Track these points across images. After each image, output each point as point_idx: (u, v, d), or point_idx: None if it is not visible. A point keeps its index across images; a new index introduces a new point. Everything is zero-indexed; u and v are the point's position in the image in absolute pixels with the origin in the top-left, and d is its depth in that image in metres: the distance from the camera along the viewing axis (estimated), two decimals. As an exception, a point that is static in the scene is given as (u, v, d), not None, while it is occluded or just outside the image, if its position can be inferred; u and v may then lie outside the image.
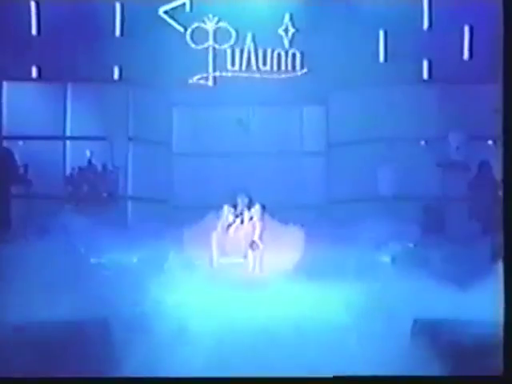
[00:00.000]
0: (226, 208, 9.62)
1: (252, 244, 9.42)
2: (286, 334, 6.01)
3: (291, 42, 13.79)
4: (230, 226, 9.58)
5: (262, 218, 9.57)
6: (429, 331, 5.08)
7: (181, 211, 13.46)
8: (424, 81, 13.41)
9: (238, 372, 4.87)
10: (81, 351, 5.07)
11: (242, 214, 9.60)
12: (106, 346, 5.46)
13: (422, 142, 13.17)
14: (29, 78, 13.48)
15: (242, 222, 9.58)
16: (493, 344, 4.02)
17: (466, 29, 13.18)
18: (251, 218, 9.58)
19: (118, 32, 13.63)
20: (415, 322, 5.62)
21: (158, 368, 5.13)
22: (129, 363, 5.19)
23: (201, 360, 5.34)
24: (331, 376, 4.38)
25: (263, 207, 9.66)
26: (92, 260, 9.73)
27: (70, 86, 13.72)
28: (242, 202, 9.64)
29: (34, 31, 13.43)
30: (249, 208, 9.64)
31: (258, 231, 9.46)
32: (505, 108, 4.19)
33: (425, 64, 13.41)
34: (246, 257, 9.46)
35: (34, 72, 13.53)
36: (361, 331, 5.84)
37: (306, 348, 5.58)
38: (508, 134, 4.14)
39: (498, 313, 3.99)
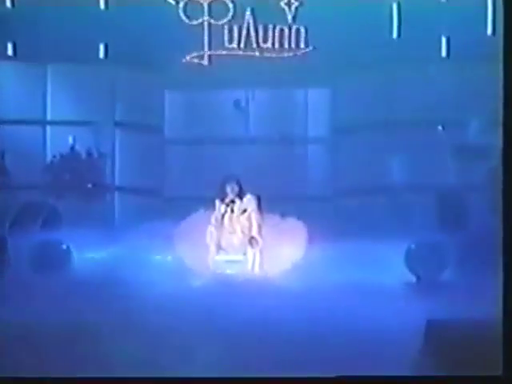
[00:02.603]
0: (218, 202, 9.84)
1: (251, 240, 9.64)
2: (287, 333, 6.40)
3: (295, 17, 13.87)
4: (223, 216, 9.76)
5: (257, 210, 9.74)
6: (429, 331, 5.52)
7: (173, 203, 13.68)
8: (442, 59, 13.51)
9: (236, 373, 5.27)
10: (66, 350, 5.46)
11: (233, 202, 9.79)
12: (90, 345, 5.84)
13: (440, 127, 13.36)
14: (3, 56, 13.57)
15: (232, 210, 9.76)
16: (493, 344, 4.45)
17: (489, 0, 13.35)
18: (244, 211, 9.78)
19: (102, 5, 13.72)
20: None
21: (148, 367, 5.52)
22: (117, 362, 5.59)
23: (192, 361, 5.75)
24: (332, 376, 4.80)
25: (258, 198, 9.85)
26: (76, 256, 10.10)
27: (49, 66, 13.93)
28: (231, 190, 9.86)
29: (8, 3, 13.49)
30: (241, 198, 9.85)
31: (255, 225, 9.65)
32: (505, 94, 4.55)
33: (443, 40, 13.53)
34: (245, 254, 9.69)
35: (9, 49, 13.60)
36: (363, 330, 6.27)
37: (308, 348, 6.00)
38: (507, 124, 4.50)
39: (497, 313, 4.42)
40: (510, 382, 4.24)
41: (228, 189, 9.88)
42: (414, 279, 9.54)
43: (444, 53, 13.55)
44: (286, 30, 13.97)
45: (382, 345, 5.86)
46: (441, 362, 4.86)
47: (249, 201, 9.85)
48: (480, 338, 4.79)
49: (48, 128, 13.91)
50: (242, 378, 4.98)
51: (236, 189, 9.87)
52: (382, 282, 8.78)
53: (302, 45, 14.04)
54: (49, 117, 13.94)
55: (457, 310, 6.38)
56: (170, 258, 10.04)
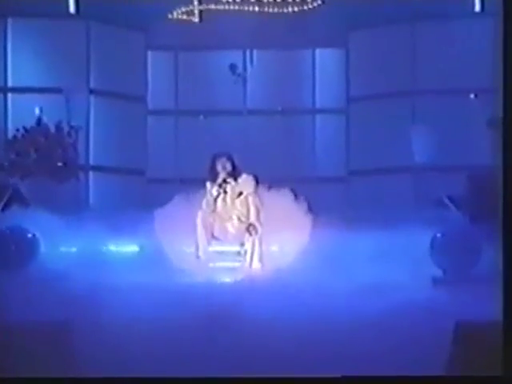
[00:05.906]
0: (209, 184, 9.95)
1: (249, 227, 9.76)
2: (291, 331, 6.61)
3: (300, -35, 14.08)
4: (215, 200, 9.87)
5: (254, 193, 9.85)
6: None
7: (158, 185, 13.87)
8: (475, 14, 13.64)
9: (235, 373, 5.50)
10: (39, 350, 5.67)
11: (225, 182, 9.90)
12: (67, 344, 6.06)
13: (471, 95, 13.47)
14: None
15: (225, 191, 9.85)
16: (493, 344, 4.75)
17: None
18: (240, 194, 9.89)
19: None
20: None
21: (128, 367, 5.74)
22: (97, 361, 5.81)
23: (184, 361, 5.97)
24: (335, 376, 5.07)
25: (255, 178, 9.94)
26: (45, 248, 10.25)
27: (10, 22, 13.98)
28: (222, 168, 9.99)
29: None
30: (235, 178, 9.98)
31: (252, 210, 9.76)
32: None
33: (476, -8, 13.74)
34: (242, 244, 9.82)
35: (-37, 3, 13.72)
36: (366, 330, 6.53)
37: (311, 347, 6.23)
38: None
39: (498, 312, 4.70)
40: (510, 382, 4.55)
41: (218, 166, 9.96)
42: (440, 273, 9.72)
43: (478, 7, 13.68)
44: (291, -19, 14.15)
45: (383, 344, 6.13)
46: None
47: (244, 181, 9.93)
48: (480, 338, 5.11)
49: (9, 96, 13.97)
50: (242, 378, 5.22)
51: (228, 166, 9.95)
52: (401, 276, 8.95)
53: (310, -2, 14.22)
54: (10, 83, 14.00)
55: (458, 309, 6.69)
56: (154, 248, 10.16)
